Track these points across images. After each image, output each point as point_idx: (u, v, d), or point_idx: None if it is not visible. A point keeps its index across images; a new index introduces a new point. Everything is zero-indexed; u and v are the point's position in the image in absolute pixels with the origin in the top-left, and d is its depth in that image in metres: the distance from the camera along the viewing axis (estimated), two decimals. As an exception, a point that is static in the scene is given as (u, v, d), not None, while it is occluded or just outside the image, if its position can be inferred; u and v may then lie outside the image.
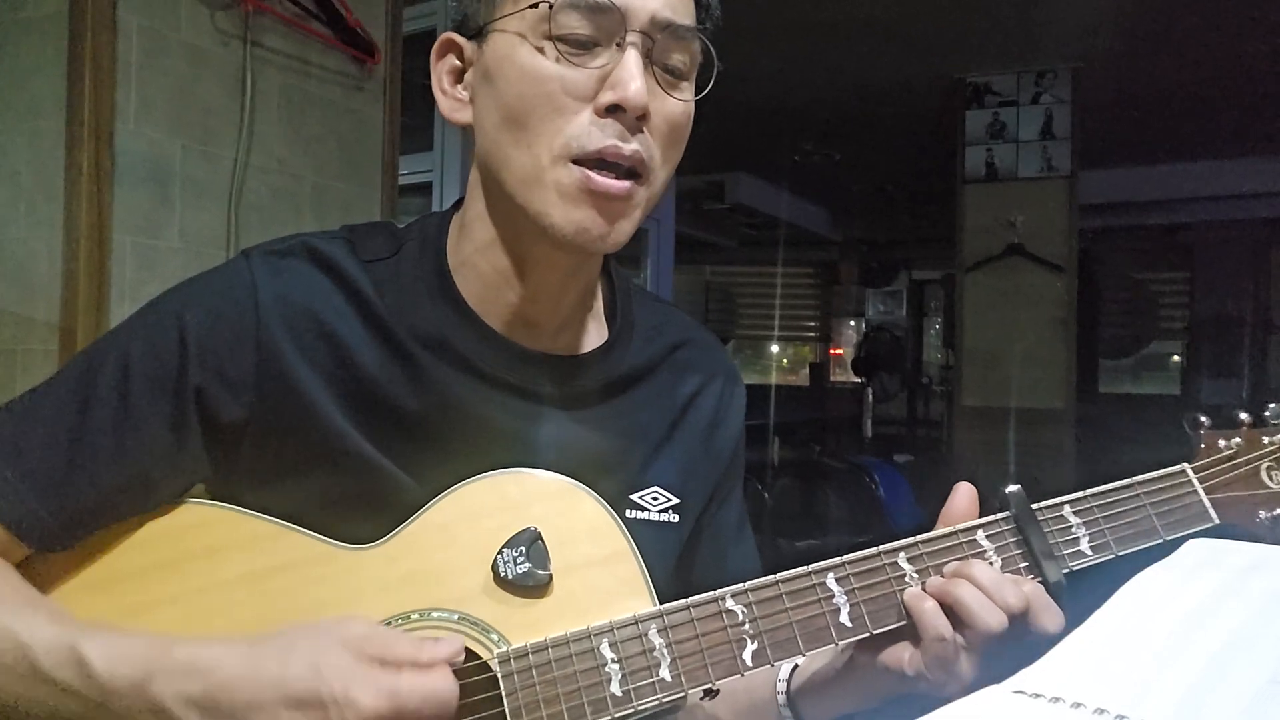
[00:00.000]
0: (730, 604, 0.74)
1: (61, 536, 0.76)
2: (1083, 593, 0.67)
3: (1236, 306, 7.20)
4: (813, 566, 0.76)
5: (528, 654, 0.73)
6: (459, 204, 0.88)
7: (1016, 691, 0.44)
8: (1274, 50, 4.25)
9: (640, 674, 0.72)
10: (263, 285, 0.79)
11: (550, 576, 0.75)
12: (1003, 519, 0.78)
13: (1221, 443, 0.81)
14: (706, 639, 0.73)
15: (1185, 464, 0.80)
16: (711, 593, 0.74)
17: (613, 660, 0.72)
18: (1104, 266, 7.29)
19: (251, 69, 2.17)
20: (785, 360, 10.18)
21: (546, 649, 0.73)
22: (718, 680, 0.73)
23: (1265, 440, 0.81)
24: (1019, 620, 0.72)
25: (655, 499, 0.87)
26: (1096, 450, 4.70)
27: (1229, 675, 0.43)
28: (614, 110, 0.74)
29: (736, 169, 7.02)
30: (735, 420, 0.97)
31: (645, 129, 0.76)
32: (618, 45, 0.75)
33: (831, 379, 9.35)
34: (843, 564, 0.76)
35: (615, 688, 0.72)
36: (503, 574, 0.74)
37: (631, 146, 0.75)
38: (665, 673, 0.72)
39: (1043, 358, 4.57)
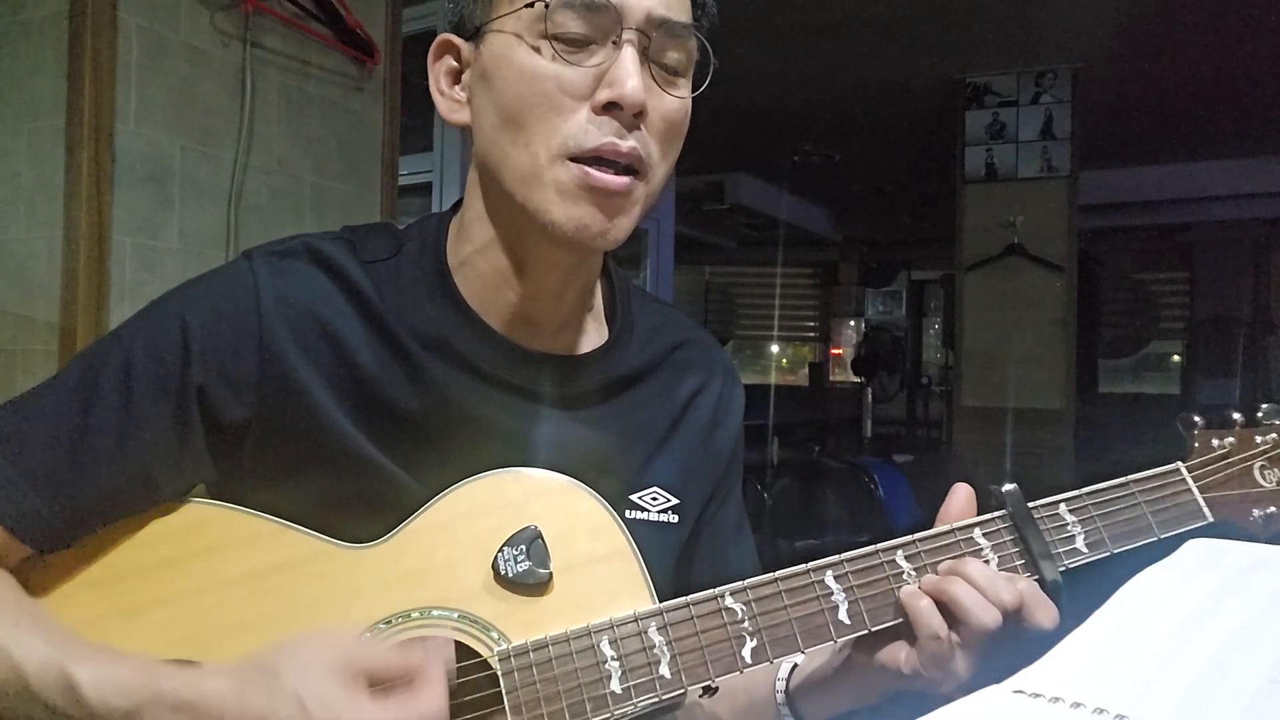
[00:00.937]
0: (729, 602, 0.74)
1: (62, 536, 0.76)
2: (1082, 593, 0.67)
3: (1236, 307, 7.21)
4: (811, 564, 0.76)
5: (528, 652, 0.73)
6: (458, 205, 0.88)
7: (1016, 691, 0.44)
8: (1274, 50, 4.25)
9: (640, 671, 0.72)
10: (265, 286, 0.79)
11: (550, 575, 0.75)
12: (999, 517, 0.78)
13: (1215, 442, 0.82)
14: (706, 636, 0.73)
15: (1179, 462, 0.81)
16: (711, 590, 0.75)
17: (612, 658, 0.72)
18: (1104, 267, 7.30)
19: (251, 69, 2.17)
20: (785, 360, 10.18)
21: (547, 647, 0.73)
22: (717, 678, 0.73)
23: (1257, 439, 0.82)
24: (1013, 617, 0.72)
25: (655, 499, 0.87)
26: (1096, 450, 4.70)
27: (1229, 675, 0.43)
28: (611, 108, 0.74)
29: (736, 169, 7.02)
30: (734, 420, 0.97)
31: (642, 126, 0.76)
32: (614, 43, 0.75)
33: (831, 379, 9.35)
34: (841, 562, 0.76)
35: (615, 685, 0.72)
36: (503, 572, 0.74)
37: (629, 144, 0.75)
38: (665, 670, 0.72)
39: (1042, 358, 4.57)
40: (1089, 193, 4.96)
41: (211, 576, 0.76)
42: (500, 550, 0.75)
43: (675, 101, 0.78)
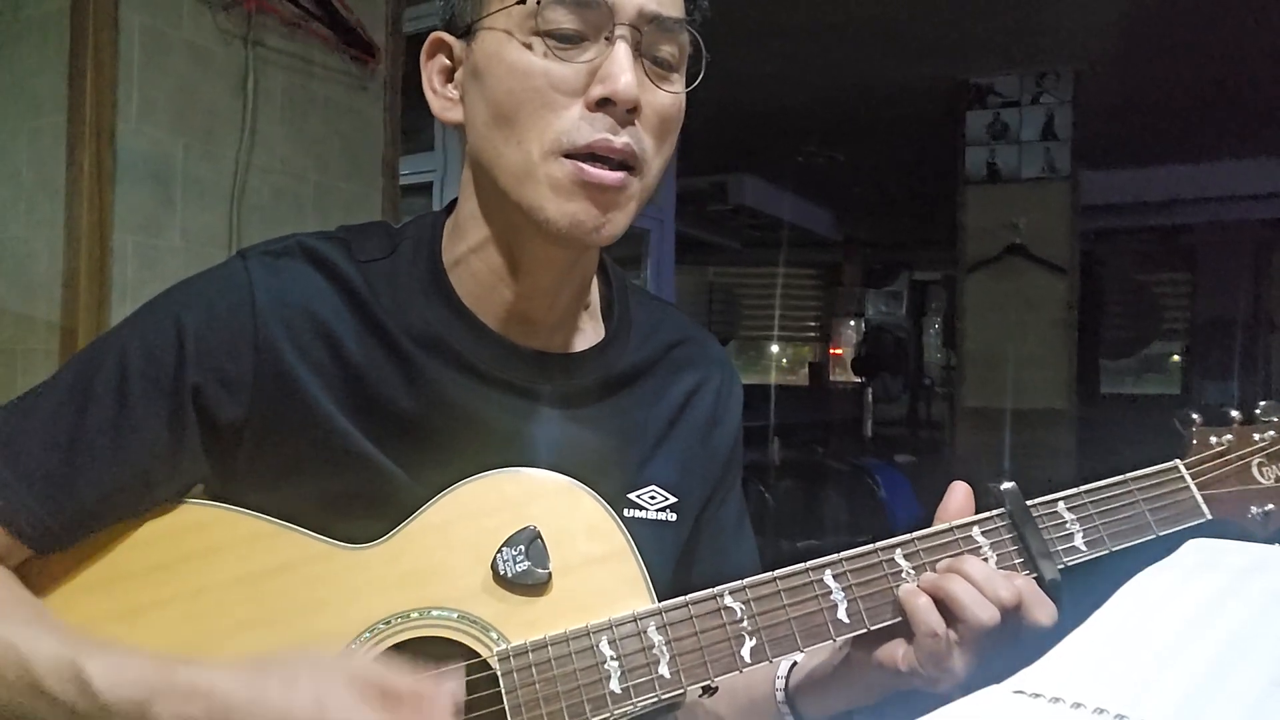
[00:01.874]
0: (729, 601, 0.74)
1: (61, 537, 0.76)
2: (1082, 593, 0.67)
3: (1238, 307, 7.20)
4: (810, 563, 0.76)
5: (527, 652, 0.73)
6: (453, 204, 0.88)
7: (1016, 691, 0.44)
8: (1275, 52, 4.24)
9: (639, 671, 0.72)
10: (259, 285, 0.79)
11: (549, 575, 0.75)
12: (998, 515, 0.78)
13: (1213, 439, 0.82)
14: (705, 636, 0.73)
15: (1178, 460, 0.81)
16: (710, 590, 0.75)
17: (612, 658, 0.72)
18: (1105, 268, 7.29)
19: (253, 68, 2.17)
20: (785, 360, 10.17)
21: (546, 647, 0.73)
22: (716, 677, 0.73)
23: (1255, 436, 0.82)
24: (1012, 615, 0.72)
25: (653, 498, 0.87)
26: (1098, 451, 4.69)
27: (1229, 676, 0.43)
28: (604, 104, 0.74)
29: (740, 170, 7.02)
30: (733, 419, 0.97)
31: (636, 122, 0.76)
32: (606, 39, 0.75)
33: (831, 379, 9.35)
34: (840, 561, 0.76)
35: (614, 685, 0.72)
36: (502, 572, 0.74)
37: (622, 139, 0.75)
38: (664, 670, 0.72)
39: (1044, 359, 4.57)
40: (1091, 194, 4.96)
41: (210, 578, 0.76)
42: (499, 550, 0.75)
43: (669, 96, 0.78)
